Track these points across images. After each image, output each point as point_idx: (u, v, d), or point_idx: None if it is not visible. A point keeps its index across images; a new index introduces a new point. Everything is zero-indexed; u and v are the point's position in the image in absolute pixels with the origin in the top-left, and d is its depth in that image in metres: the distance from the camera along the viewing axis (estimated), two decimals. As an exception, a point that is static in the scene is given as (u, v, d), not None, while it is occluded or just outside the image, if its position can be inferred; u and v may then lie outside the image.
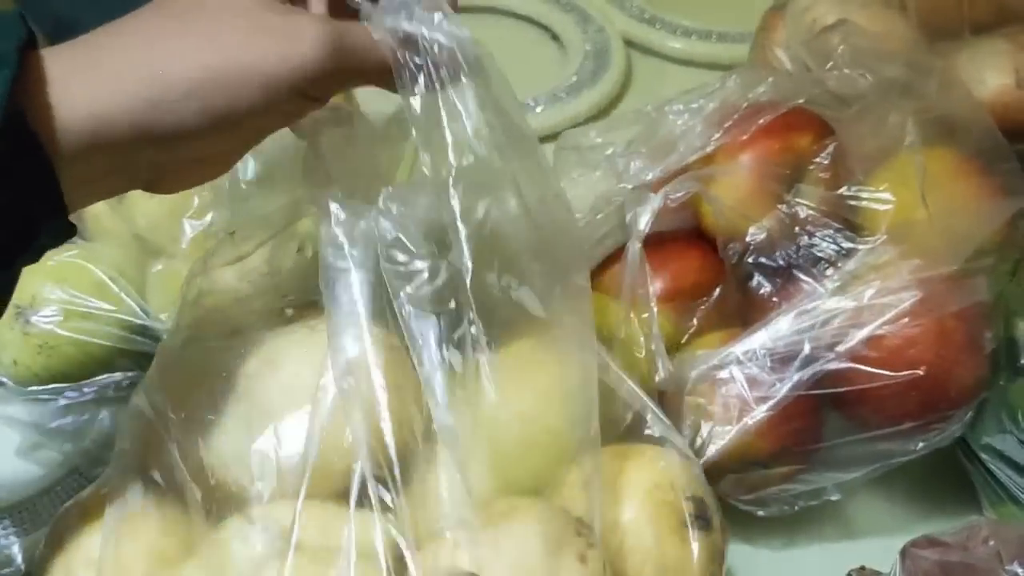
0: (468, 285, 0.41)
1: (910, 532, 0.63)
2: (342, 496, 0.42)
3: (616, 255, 0.63)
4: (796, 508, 0.60)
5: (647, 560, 0.45)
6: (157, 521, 0.48)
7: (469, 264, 0.41)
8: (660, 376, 0.56)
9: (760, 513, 0.60)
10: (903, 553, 0.43)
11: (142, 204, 0.63)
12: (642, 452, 0.48)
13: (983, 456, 0.58)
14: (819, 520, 0.63)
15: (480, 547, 0.40)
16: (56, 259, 0.62)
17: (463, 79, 0.42)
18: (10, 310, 0.61)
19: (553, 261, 0.44)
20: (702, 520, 0.47)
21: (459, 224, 0.41)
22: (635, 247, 0.57)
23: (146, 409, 0.50)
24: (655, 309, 0.57)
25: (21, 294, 0.61)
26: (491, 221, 0.42)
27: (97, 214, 0.65)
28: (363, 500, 0.43)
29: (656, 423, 0.50)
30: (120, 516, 0.49)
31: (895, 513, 0.64)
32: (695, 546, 0.46)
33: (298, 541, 0.42)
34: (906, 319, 0.56)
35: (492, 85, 0.43)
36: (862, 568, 0.49)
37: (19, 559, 0.60)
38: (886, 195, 0.57)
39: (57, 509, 0.61)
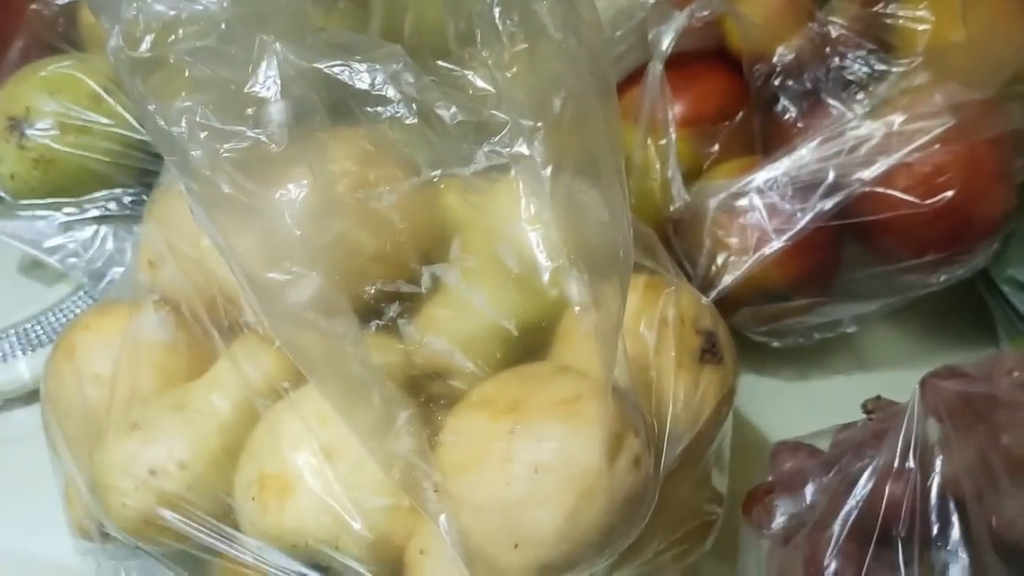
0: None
1: (924, 364, 0.62)
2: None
3: (634, 76, 0.60)
4: (812, 340, 0.59)
5: (656, 396, 0.44)
6: (170, 341, 0.47)
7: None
8: (676, 205, 0.54)
9: (775, 344, 0.59)
10: (923, 384, 0.42)
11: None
12: (651, 285, 0.46)
13: (1005, 288, 0.57)
14: (831, 352, 0.62)
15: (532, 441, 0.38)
16: (49, 69, 0.60)
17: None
18: (4, 122, 0.59)
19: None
20: (712, 354, 0.46)
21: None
22: (656, 69, 0.54)
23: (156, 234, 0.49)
24: (674, 135, 0.55)
25: (14, 104, 0.59)
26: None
27: (91, 22, 0.62)
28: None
29: (662, 256, 0.48)
30: (132, 335, 0.48)
31: (909, 344, 0.63)
32: (705, 380, 0.45)
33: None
34: (936, 146, 0.53)
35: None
36: (877, 398, 0.48)
37: (26, 376, 0.59)
38: (924, 13, 0.54)
39: (62, 327, 0.61)
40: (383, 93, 0.36)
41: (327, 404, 0.40)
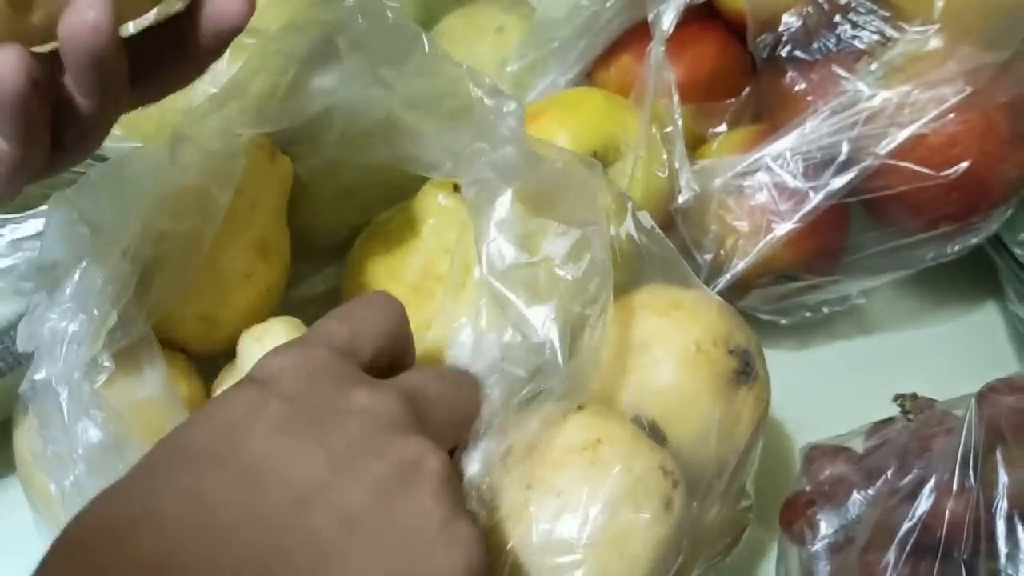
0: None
1: (928, 326, 0.62)
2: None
3: (625, 40, 0.56)
4: (821, 314, 0.57)
5: (692, 429, 0.41)
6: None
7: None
8: (685, 197, 0.51)
9: (783, 322, 0.57)
10: (980, 397, 0.40)
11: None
12: (676, 305, 0.43)
13: (1017, 251, 0.55)
14: (834, 318, 0.60)
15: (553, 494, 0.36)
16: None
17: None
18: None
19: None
20: (748, 375, 0.43)
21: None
22: (659, 51, 0.50)
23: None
24: (680, 121, 0.51)
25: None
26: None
27: None
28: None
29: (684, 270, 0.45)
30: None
31: (912, 307, 0.61)
32: (741, 402, 0.42)
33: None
34: (951, 115, 0.51)
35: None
36: (914, 396, 0.46)
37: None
38: (939, -26, 0.51)
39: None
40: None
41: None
